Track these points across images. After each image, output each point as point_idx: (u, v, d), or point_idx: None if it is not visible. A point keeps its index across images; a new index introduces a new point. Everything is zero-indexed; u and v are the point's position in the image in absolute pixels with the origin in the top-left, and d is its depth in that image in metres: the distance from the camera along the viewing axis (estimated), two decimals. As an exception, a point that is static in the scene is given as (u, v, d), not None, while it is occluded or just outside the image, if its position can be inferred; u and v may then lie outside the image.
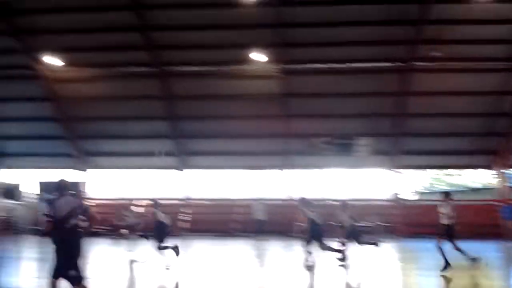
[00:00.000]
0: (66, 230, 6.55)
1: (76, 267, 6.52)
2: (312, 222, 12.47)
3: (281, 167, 25.02)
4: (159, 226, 12.88)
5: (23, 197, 25.37)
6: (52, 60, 22.39)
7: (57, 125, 25.18)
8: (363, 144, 23.08)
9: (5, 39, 21.75)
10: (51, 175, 26.99)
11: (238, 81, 22.96)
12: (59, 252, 6.55)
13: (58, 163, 26.47)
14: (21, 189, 25.70)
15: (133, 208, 24.06)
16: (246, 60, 21.93)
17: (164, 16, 20.66)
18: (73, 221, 6.61)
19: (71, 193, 7.15)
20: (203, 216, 24.76)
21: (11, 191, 25.58)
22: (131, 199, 25.15)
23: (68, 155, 25.92)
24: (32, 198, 25.43)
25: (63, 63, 22.67)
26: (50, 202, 6.88)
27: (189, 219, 24.45)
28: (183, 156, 25.53)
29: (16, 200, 24.67)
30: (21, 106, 24.78)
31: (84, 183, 26.18)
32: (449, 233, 11.07)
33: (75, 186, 26.20)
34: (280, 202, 24.34)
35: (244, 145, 24.87)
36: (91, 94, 24.12)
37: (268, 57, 21.61)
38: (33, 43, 22.10)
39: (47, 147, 26.10)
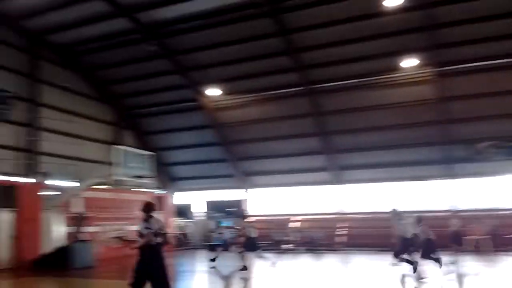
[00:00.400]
0: (152, 246, 7.25)
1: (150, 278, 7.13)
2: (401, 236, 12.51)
3: (442, 176, 23.66)
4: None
5: (194, 215, 28.14)
6: (212, 91, 24.98)
7: (220, 149, 27.66)
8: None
9: (173, 77, 24.92)
10: (217, 195, 29.71)
11: (389, 90, 22.61)
12: (141, 267, 7.24)
13: (222, 184, 29.03)
14: (192, 208, 28.52)
15: (291, 224, 25.18)
16: (396, 68, 21.65)
17: (309, 36, 21.34)
18: (159, 240, 7.29)
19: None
20: (360, 231, 24.52)
21: (183, 211, 28.73)
22: (289, 215, 26.45)
23: (231, 176, 28.14)
24: (201, 216, 28.05)
25: (222, 93, 25.11)
26: (145, 220, 7.54)
27: (345, 233, 24.52)
28: (337, 171, 25.80)
29: (188, 219, 27.53)
30: (189, 135, 27.98)
31: (245, 201, 28.10)
32: None
33: (237, 204, 28.43)
34: (440, 214, 22.94)
35: (400, 156, 24.17)
36: (247, 118, 26.05)
37: (420, 62, 21.00)
38: (195, 78, 24.86)
39: (212, 170, 28.78)
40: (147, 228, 7.28)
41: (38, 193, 17.33)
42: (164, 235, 7.38)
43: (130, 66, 24.19)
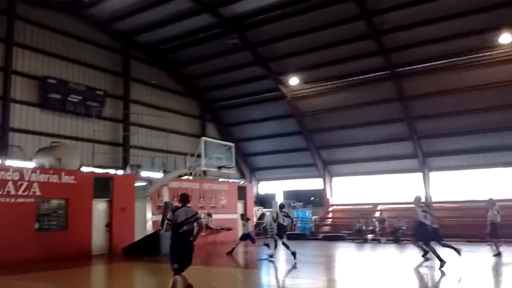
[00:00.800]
0: (179, 233, 7.86)
1: (179, 261, 7.78)
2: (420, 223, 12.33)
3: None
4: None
5: (276, 205, 28.27)
6: (292, 81, 24.94)
7: (300, 138, 27.61)
8: None
9: (254, 69, 25.24)
10: (298, 184, 29.78)
11: (479, 70, 21.04)
12: (174, 249, 7.88)
13: (304, 173, 29.02)
14: (276, 198, 28.81)
15: (374, 213, 24.45)
16: (486, 46, 20.07)
17: (393, 17, 20.42)
18: (185, 228, 7.88)
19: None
20: (448, 220, 23.11)
21: (267, 200, 29.14)
22: (372, 204, 25.73)
23: (312, 165, 27.99)
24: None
25: (302, 81, 24.97)
26: (173, 211, 8.10)
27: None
28: (424, 158, 24.58)
29: (269, 208, 27.82)
30: (269, 125, 28.30)
31: (326, 190, 27.82)
32: None
33: (319, 194, 28.25)
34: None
35: (491, 140, 22.41)
36: (328, 106, 25.70)
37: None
38: (275, 68, 24.97)
39: (292, 159, 28.89)
40: (169, 218, 7.97)
41: (131, 184, 18.57)
42: (191, 223, 7.99)
43: (213, 60, 24.96)
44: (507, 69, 20.54)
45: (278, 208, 15.41)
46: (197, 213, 8.29)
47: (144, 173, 20.92)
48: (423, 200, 14.16)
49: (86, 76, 21.79)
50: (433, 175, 24.93)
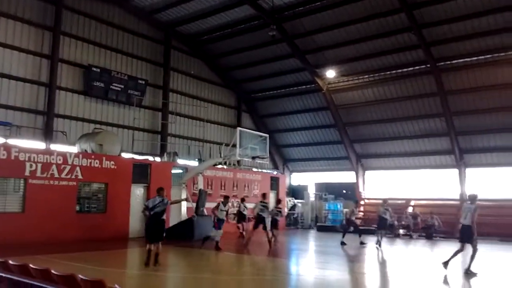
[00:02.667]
0: (152, 215, 10.77)
1: (159, 239, 10.68)
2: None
3: None
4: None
5: (308, 197, 28.49)
6: (328, 73, 24.90)
7: (334, 131, 27.61)
8: None
9: (290, 61, 25.37)
10: (330, 177, 29.82)
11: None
12: (147, 227, 11.21)
13: (336, 166, 29.06)
14: (308, 190, 28.98)
15: (408, 208, 24.22)
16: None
17: (435, 10, 19.99)
18: (155, 210, 10.74)
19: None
20: (485, 218, 22.62)
21: (299, 191, 29.36)
22: (405, 199, 25.47)
23: (345, 158, 27.96)
24: (313, 197, 28.34)
25: (339, 74, 24.90)
26: (148, 199, 11.43)
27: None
28: (461, 154, 24.11)
29: (301, 199, 28.05)
30: (303, 117, 28.45)
31: (359, 183, 27.75)
32: None
33: (351, 187, 28.18)
34: None
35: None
36: (364, 99, 25.55)
37: None
38: (312, 61, 24.99)
39: (326, 151, 28.99)
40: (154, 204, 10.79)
41: (168, 171, 19.20)
42: (160, 207, 10.76)
43: (250, 52, 25.24)
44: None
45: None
46: (164, 200, 10.95)
47: (180, 161, 21.55)
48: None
49: (129, 65, 22.55)
50: (469, 171, 24.42)
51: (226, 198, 15.72)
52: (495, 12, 19.01)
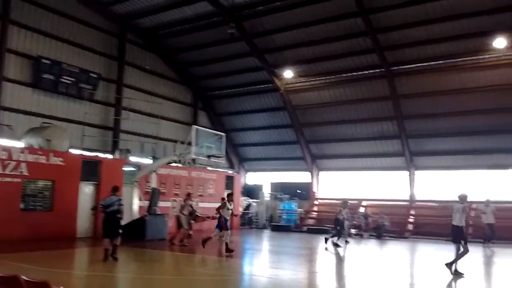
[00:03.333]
0: (107, 212, 11.59)
1: (115, 235, 11.42)
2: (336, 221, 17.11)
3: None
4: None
5: (263, 196, 28.54)
6: (286, 73, 25.02)
7: (290, 131, 27.78)
8: None
9: (249, 59, 25.29)
10: (286, 177, 30.03)
11: (472, 73, 21.28)
12: (105, 225, 11.68)
13: (291, 166, 29.28)
14: (263, 189, 29.04)
15: (359, 208, 24.77)
16: (480, 49, 20.28)
17: (390, 16, 20.48)
18: (111, 208, 11.57)
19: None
20: (430, 219, 23.53)
21: (254, 191, 29.35)
22: (357, 200, 26.04)
23: (301, 158, 28.21)
24: (268, 197, 28.45)
25: (296, 75, 25.07)
26: (104, 199, 12.03)
27: (414, 221, 23.74)
28: (412, 156, 24.89)
29: (256, 199, 28.05)
30: (260, 117, 28.48)
31: (313, 184, 28.08)
32: None
33: (305, 187, 28.47)
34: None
35: (483, 142, 22.76)
36: (321, 101, 25.83)
37: (508, 42, 19.40)
38: (270, 60, 25.01)
39: (282, 151, 29.15)
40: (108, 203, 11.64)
41: (119, 169, 18.61)
42: (115, 206, 11.62)
43: (208, 49, 24.92)
44: (499, 73, 20.79)
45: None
46: (120, 199, 11.89)
47: (133, 158, 20.99)
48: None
49: (81, 58, 21.66)
50: (418, 173, 25.27)
51: (230, 195, 14.89)
52: (448, 19, 19.67)
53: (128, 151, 20.79)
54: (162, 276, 10.05)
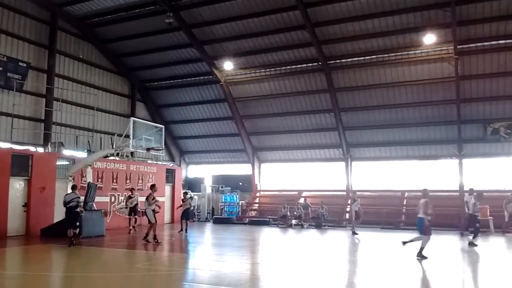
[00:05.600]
0: (68, 208, 13.55)
1: (74, 226, 13.44)
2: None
3: (456, 156, 23.29)
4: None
5: (204, 189, 28.36)
6: (226, 65, 24.89)
7: (231, 123, 27.76)
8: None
9: (188, 50, 24.91)
10: (226, 169, 30.04)
11: (405, 67, 22.41)
12: (66, 218, 13.80)
13: (233, 158, 29.34)
14: (205, 182, 28.84)
15: (299, 199, 25.34)
16: (413, 45, 21.31)
17: (328, 10, 20.95)
18: (70, 204, 13.55)
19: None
20: (367, 208, 24.52)
21: (195, 184, 29.09)
22: (298, 191, 26.64)
23: (242, 151, 28.31)
24: (209, 189, 28.31)
25: (237, 67, 25.02)
26: (65, 196, 14.06)
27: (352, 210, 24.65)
28: (348, 148, 25.75)
29: (198, 192, 27.82)
30: (200, 109, 28.23)
31: (255, 176, 28.30)
32: None
33: (247, 179, 28.63)
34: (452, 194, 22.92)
35: (414, 134, 24.04)
36: (261, 93, 26.08)
37: (438, 39, 20.52)
38: (210, 52, 24.78)
39: (223, 144, 29.11)
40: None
41: (52, 163, 17.71)
42: (74, 202, 13.59)
43: (145, 38, 24.27)
44: (428, 68, 22.00)
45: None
46: (79, 197, 13.89)
47: (66, 152, 20.07)
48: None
49: (8, 45, 20.28)
50: (355, 164, 26.23)
51: (152, 187, 16.22)
52: (381, 15, 20.49)
53: (61, 144, 19.84)
54: (103, 273, 9.71)
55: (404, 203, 24.03)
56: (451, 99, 22.15)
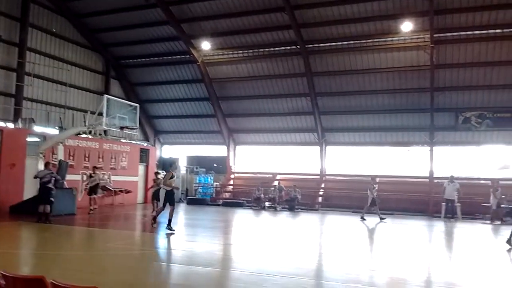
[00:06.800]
0: (41, 184, 13.85)
1: (47, 202, 13.65)
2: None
3: (428, 143, 23.72)
4: None
5: (179, 170, 28.17)
6: (204, 45, 24.56)
7: (207, 104, 27.53)
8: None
9: (165, 28, 24.41)
10: (201, 150, 29.94)
11: (382, 54, 22.50)
12: (38, 193, 14.12)
13: (209, 140, 29.22)
14: (179, 163, 28.62)
15: (273, 182, 25.53)
16: (391, 32, 21.41)
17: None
18: (43, 180, 13.84)
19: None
20: (339, 192, 25.01)
21: (169, 165, 28.83)
22: (272, 174, 26.82)
23: (218, 132, 28.20)
24: (184, 170, 28.19)
25: (214, 47, 24.71)
26: (38, 171, 14.62)
27: (323, 194, 25.08)
28: (323, 132, 25.96)
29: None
30: (176, 88, 27.85)
31: (230, 157, 28.29)
32: None
33: (222, 160, 28.60)
34: (423, 180, 23.52)
35: (388, 120, 24.39)
36: (238, 74, 25.89)
37: (415, 27, 20.70)
38: (188, 30, 24.36)
39: (199, 125, 28.90)
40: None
41: (22, 139, 17.26)
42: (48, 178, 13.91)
43: (121, 14, 23.67)
44: (404, 56, 22.22)
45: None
46: (52, 172, 14.26)
47: (37, 128, 19.57)
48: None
49: (-25, 16, 19.48)
50: (329, 149, 26.51)
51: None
52: (360, 1, 20.46)
53: (32, 120, 19.37)
54: (76, 252, 9.60)
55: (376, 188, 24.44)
56: (425, 87, 22.50)
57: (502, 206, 18.56)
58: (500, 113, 21.85)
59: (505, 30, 20.11)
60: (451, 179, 19.24)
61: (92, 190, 17.79)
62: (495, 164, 23.19)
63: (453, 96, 22.65)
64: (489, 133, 22.59)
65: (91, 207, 17.35)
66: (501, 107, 21.89)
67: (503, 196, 18.57)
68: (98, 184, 18.29)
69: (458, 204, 19.70)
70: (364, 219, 17.98)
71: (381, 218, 17.96)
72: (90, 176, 18.08)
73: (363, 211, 18.52)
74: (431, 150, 23.68)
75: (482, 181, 22.94)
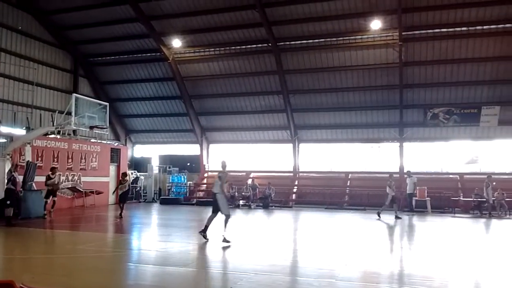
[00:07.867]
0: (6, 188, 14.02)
1: (12, 202, 13.68)
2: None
3: (398, 139, 24.24)
4: None
5: (151, 169, 27.90)
6: (175, 43, 24.32)
7: (179, 102, 27.29)
8: (489, 113, 21.63)
9: (135, 25, 24.05)
10: (174, 149, 29.67)
11: (352, 52, 22.81)
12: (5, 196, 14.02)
13: (181, 138, 28.98)
14: (152, 162, 28.33)
15: (246, 180, 25.53)
16: (360, 30, 21.69)
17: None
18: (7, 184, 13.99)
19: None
20: (312, 189, 25.24)
21: (142, 164, 28.53)
22: (245, 172, 26.80)
23: (190, 131, 27.99)
24: (156, 170, 27.89)
25: (185, 45, 24.51)
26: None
27: (297, 191, 25.27)
28: (296, 130, 26.12)
29: (144, 172, 27.32)
30: (147, 87, 27.48)
31: (203, 156, 28.14)
32: None
33: (195, 159, 28.43)
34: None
35: (359, 117, 24.74)
36: (210, 73, 25.79)
37: (384, 25, 21.04)
38: (158, 28, 24.07)
39: (170, 124, 28.63)
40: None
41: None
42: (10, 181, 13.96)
43: (89, 11, 23.23)
44: (374, 53, 22.60)
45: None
46: (11, 171, 14.21)
47: (4, 129, 18.98)
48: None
49: None
50: (302, 146, 26.70)
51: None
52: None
53: (-3, 121, 18.72)
54: (46, 255, 9.34)
55: (348, 184, 24.86)
56: (394, 84, 22.95)
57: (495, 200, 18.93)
58: (467, 109, 22.50)
59: (470, 28, 20.72)
60: (409, 173, 19.86)
61: (49, 193, 16.03)
62: (462, 158, 23.85)
63: (422, 92, 23.18)
64: (456, 128, 23.23)
65: (46, 211, 15.72)
66: (468, 103, 22.55)
67: (496, 193, 18.97)
68: (57, 185, 16.91)
69: (428, 198, 20.19)
70: (399, 217, 17.18)
71: (397, 217, 17.08)
72: (48, 178, 16.27)
73: (381, 208, 17.54)
74: (401, 146, 24.17)
75: (450, 176, 23.62)
